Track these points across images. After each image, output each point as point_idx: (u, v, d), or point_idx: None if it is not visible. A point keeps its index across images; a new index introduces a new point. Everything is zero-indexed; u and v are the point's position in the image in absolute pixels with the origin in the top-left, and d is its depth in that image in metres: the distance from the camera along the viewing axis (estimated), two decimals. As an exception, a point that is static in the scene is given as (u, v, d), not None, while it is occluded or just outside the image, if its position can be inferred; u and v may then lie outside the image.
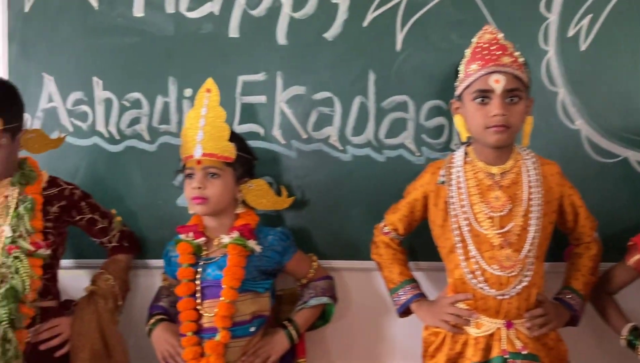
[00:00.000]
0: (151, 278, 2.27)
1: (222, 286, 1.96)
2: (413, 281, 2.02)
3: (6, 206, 1.99)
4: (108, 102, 2.33)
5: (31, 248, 1.94)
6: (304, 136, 2.23)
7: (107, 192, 2.31)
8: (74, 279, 2.27)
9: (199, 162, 1.97)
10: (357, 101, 2.21)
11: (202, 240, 2.04)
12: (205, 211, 2.01)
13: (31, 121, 2.31)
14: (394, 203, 2.06)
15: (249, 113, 2.25)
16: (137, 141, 2.32)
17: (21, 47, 2.36)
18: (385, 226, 2.06)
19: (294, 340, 2.04)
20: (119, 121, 2.33)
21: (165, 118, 2.30)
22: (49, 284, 2.05)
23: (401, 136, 2.20)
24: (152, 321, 2.08)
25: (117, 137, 2.33)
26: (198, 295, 2.00)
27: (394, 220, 2.03)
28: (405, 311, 2.01)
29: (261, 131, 2.25)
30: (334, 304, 2.11)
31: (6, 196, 2.00)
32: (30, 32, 2.35)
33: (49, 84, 2.35)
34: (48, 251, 1.99)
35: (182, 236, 2.05)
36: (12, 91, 1.99)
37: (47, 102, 2.36)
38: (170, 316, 2.10)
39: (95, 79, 2.33)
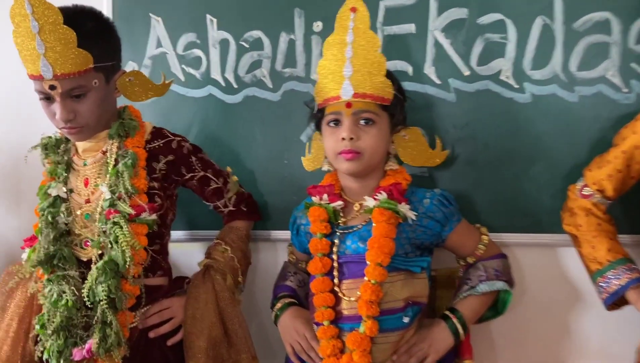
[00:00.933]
0: (274, 252, 1.86)
1: (366, 262, 1.48)
2: (629, 260, 1.45)
3: (105, 163, 1.61)
4: (224, 45, 1.92)
5: (132, 211, 1.55)
6: (466, 73, 1.70)
7: (223, 149, 1.91)
8: (185, 253, 1.89)
9: (348, 105, 1.49)
10: (538, 23, 1.65)
11: (339, 203, 1.58)
12: (357, 169, 1.53)
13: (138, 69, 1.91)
14: (594, 156, 1.49)
15: (394, 47, 1.75)
16: (257, 89, 1.90)
17: (127, -15, 2.00)
18: (585, 186, 1.50)
19: (459, 336, 1.53)
20: (236, 66, 1.91)
21: (290, 60, 1.86)
22: (157, 257, 1.66)
23: (601, 67, 1.61)
24: (278, 305, 1.64)
25: (235, 85, 1.91)
26: (335, 273, 1.53)
27: (599, 178, 1.47)
28: (617, 302, 1.45)
29: (409, 69, 1.75)
30: (510, 291, 1.57)
31: (104, 152, 1.62)
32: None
33: (157, 26, 1.98)
34: (153, 216, 1.60)
35: (314, 199, 1.59)
36: (104, 25, 1.60)
37: (155, 48, 1.98)
38: (300, 299, 1.65)
39: (208, 17, 1.93)
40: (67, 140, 1.66)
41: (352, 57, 1.48)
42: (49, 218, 1.58)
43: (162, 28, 1.97)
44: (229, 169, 1.79)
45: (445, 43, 1.71)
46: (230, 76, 1.92)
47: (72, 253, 1.58)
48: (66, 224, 1.60)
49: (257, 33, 1.88)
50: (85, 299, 1.50)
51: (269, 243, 1.89)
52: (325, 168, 1.62)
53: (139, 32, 1.99)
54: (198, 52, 1.95)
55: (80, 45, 1.48)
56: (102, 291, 1.50)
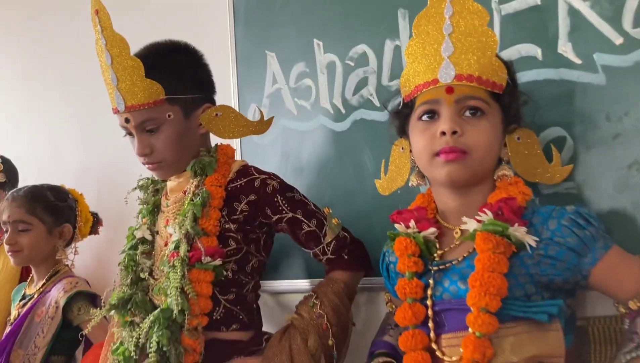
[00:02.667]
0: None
1: (470, 308, 1.02)
2: None
3: (183, 203, 1.41)
4: (331, 68, 1.64)
5: (185, 252, 1.30)
6: (618, 41, 1.18)
7: (335, 184, 1.59)
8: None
9: (449, 90, 1.09)
10: None
11: (432, 231, 1.15)
12: (461, 175, 1.10)
13: (256, 111, 1.70)
14: None
15: (515, 28, 1.30)
16: (365, 110, 1.57)
17: (245, 27, 1.85)
18: None
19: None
20: (343, 89, 1.62)
21: (397, 70, 1.50)
22: (232, 309, 1.37)
23: None
24: (372, 364, 1.22)
25: (343, 110, 1.61)
26: (431, 324, 1.09)
27: None
28: None
29: (537, 51, 1.27)
30: None
31: (184, 192, 1.42)
32: (251, 8, 1.83)
33: (272, 62, 1.78)
34: (218, 262, 1.33)
35: (398, 228, 1.18)
36: (184, 57, 1.44)
37: (271, 85, 1.78)
38: (399, 358, 1.22)
39: (315, 41, 1.68)
40: (162, 181, 1.50)
41: (452, 33, 1.10)
42: (127, 260, 1.43)
43: (276, 63, 1.77)
44: (327, 210, 1.45)
45: (584, 7, 1.22)
46: (338, 102, 1.62)
47: (148, 298, 1.38)
48: (142, 269, 1.41)
49: (361, 48, 1.57)
50: (132, 350, 1.26)
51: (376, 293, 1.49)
52: (414, 182, 1.20)
53: (257, 71, 1.82)
54: (308, 81, 1.70)
55: (151, 75, 1.33)
56: (154, 342, 1.25)
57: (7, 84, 2.84)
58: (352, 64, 1.59)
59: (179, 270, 1.29)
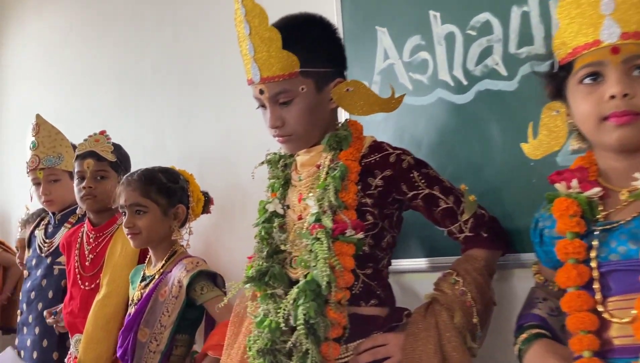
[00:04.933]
0: (525, 280, 1.38)
1: (642, 269, 0.98)
2: None
3: (317, 178, 1.39)
4: (450, 39, 1.60)
5: (326, 222, 1.29)
6: None
7: (458, 160, 1.55)
8: (422, 285, 1.53)
9: (614, 50, 1.04)
10: None
11: (595, 191, 1.10)
12: (634, 138, 1.06)
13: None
14: None
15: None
16: (490, 80, 1.52)
17: (352, 4, 1.83)
18: None
19: None
20: (464, 60, 1.58)
21: (525, 37, 1.45)
22: (370, 283, 1.36)
23: None
24: (523, 336, 1.18)
25: (465, 82, 1.57)
26: (596, 286, 1.04)
27: None
28: None
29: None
30: None
31: (319, 166, 1.40)
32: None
33: (383, 38, 1.75)
34: (360, 235, 1.31)
35: (558, 188, 1.13)
36: (320, 29, 1.44)
37: (383, 61, 1.75)
38: (553, 331, 1.18)
39: (431, 13, 1.64)
40: (290, 156, 1.49)
41: (611, -11, 1.04)
42: (263, 233, 1.42)
43: (388, 38, 1.74)
44: (463, 187, 1.41)
45: None
46: (458, 73, 1.58)
47: (284, 271, 1.37)
48: (281, 241, 1.40)
49: (484, 16, 1.53)
50: (281, 321, 1.25)
51: (522, 270, 1.44)
52: (574, 146, 1.15)
53: (366, 47, 1.79)
54: (424, 54, 1.66)
55: (287, 47, 1.34)
56: (301, 314, 1.24)
57: (115, 77, 2.90)
58: (474, 33, 1.55)
59: (324, 242, 1.27)
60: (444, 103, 1.60)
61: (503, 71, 1.49)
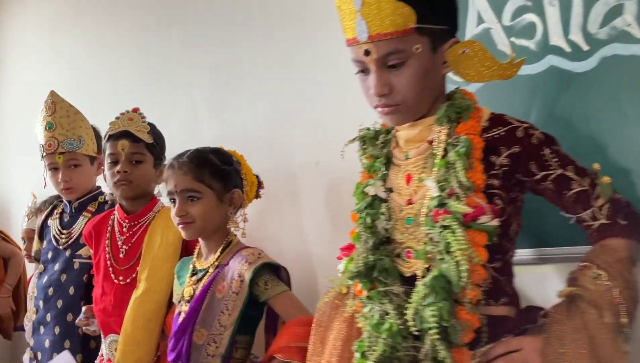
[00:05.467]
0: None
1: None
2: None
3: (431, 155, 1.19)
4: (564, -1, 1.39)
5: (468, 209, 1.08)
6: None
7: (578, 139, 1.35)
8: (525, 279, 1.33)
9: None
10: None
11: None
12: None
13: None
14: None
15: None
16: (620, 44, 1.32)
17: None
18: None
19: None
20: (584, 22, 1.37)
21: (669, -8, 1.25)
22: (499, 279, 1.16)
23: None
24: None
25: (586, 47, 1.37)
26: None
27: None
28: None
29: None
30: None
31: (430, 141, 1.20)
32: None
33: (476, 1, 1.53)
34: (495, 222, 1.11)
35: None
36: None
37: (475, 26, 1.55)
38: None
39: (540, -31, 1.42)
40: (387, 131, 1.29)
41: None
42: (368, 220, 1.21)
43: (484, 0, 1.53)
44: (596, 166, 1.22)
45: None
46: (577, 37, 1.38)
47: (394, 265, 1.17)
48: (386, 229, 1.20)
49: (612, -31, 1.32)
50: (411, 324, 1.05)
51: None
52: None
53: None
54: (530, 16, 1.46)
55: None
56: (432, 316, 1.04)
57: (138, 50, 2.67)
58: (598, -10, 1.34)
59: (458, 231, 1.07)
60: (558, 72, 1.40)
61: (637, 32, 1.29)
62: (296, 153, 2.08)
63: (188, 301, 1.69)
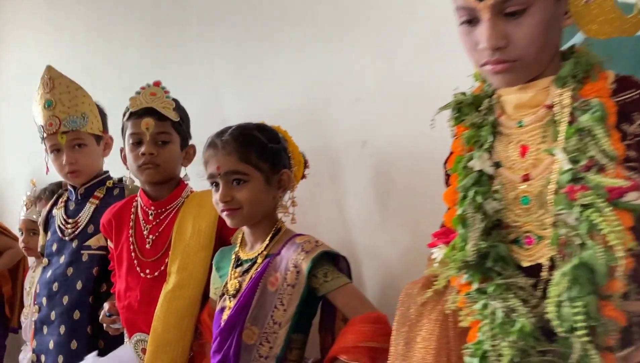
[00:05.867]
0: None
1: None
2: None
3: (551, 122, 1.01)
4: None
5: (621, 183, 0.90)
6: None
7: None
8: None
9: None
10: None
11: None
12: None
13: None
14: None
15: None
16: None
17: None
18: None
19: None
20: None
21: None
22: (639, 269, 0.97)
23: None
24: None
25: None
26: None
27: None
28: None
29: None
30: None
31: (550, 106, 1.01)
32: None
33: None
34: None
35: None
36: None
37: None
38: None
39: None
40: (489, 95, 1.09)
41: None
42: (479, 199, 1.02)
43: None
44: None
45: None
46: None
47: (510, 253, 0.99)
48: (496, 211, 1.02)
49: None
50: (556, 323, 0.87)
51: None
52: None
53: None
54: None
55: None
56: (578, 313, 0.86)
57: (149, 22, 2.44)
58: None
59: (606, 210, 0.89)
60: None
61: None
62: (338, 131, 1.89)
63: (234, 296, 1.50)
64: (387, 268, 1.73)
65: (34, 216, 2.92)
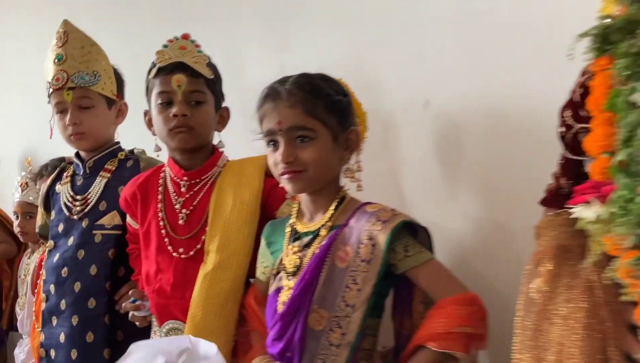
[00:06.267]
0: None
1: None
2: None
3: None
4: None
5: None
6: None
7: None
8: None
9: None
10: None
11: None
12: None
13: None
14: None
15: None
16: None
17: None
18: None
19: None
20: None
21: None
22: None
23: None
24: None
25: None
26: None
27: None
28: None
29: None
30: None
31: None
32: None
33: None
34: None
35: None
36: None
37: None
38: None
39: None
40: None
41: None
42: None
43: None
44: None
45: None
46: None
47: None
48: None
49: None
50: None
51: None
52: None
53: None
54: None
55: None
56: None
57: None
58: None
59: None
60: None
61: None
62: (393, 91, 1.68)
63: (294, 274, 1.28)
64: (456, 244, 1.52)
65: (31, 198, 2.68)
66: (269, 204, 1.52)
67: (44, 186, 2.01)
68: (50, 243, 1.90)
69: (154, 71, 1.58)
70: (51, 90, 1.82)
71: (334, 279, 1.22)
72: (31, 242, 2.72)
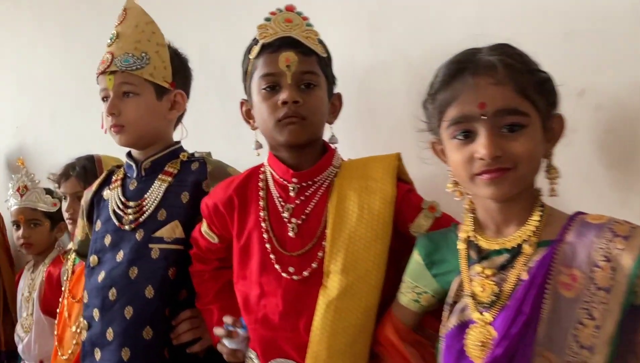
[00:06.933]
0: None
1: None
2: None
3: None
4: None
5: None
6: None
7: None
8: None
9: None
10: None
11: None
12: None
13: None
14: None
15: None
16: None
17: None
18: None
19: None
20: None
21: None
22: None
23: None
24: None
25: None
26: None
27: None
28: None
29: None
30: None
31: None
32: None
33: None
34: None
35: None
36: None
37: None
38: None
39: None
40: None
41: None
42: None
43: None
44: None
45: None
46: None
47: None
48: None
49: None
50: None
51: None
52: None
53: None
54: None
55: None
56: None
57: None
58: None
59: None
60: None
61: None
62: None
63: (490, 306, 0.96)
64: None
65: (40, 204, 2.29)
66: (402, 215, 1.21)
67: (87, 193, 1.65)
68: (94, 258, 1.57)
69: (255, 49, 1.25)
70: (98, 74, 1.51)
71: (560, 313, 0.91)
72: (35, 254, 2.32)
